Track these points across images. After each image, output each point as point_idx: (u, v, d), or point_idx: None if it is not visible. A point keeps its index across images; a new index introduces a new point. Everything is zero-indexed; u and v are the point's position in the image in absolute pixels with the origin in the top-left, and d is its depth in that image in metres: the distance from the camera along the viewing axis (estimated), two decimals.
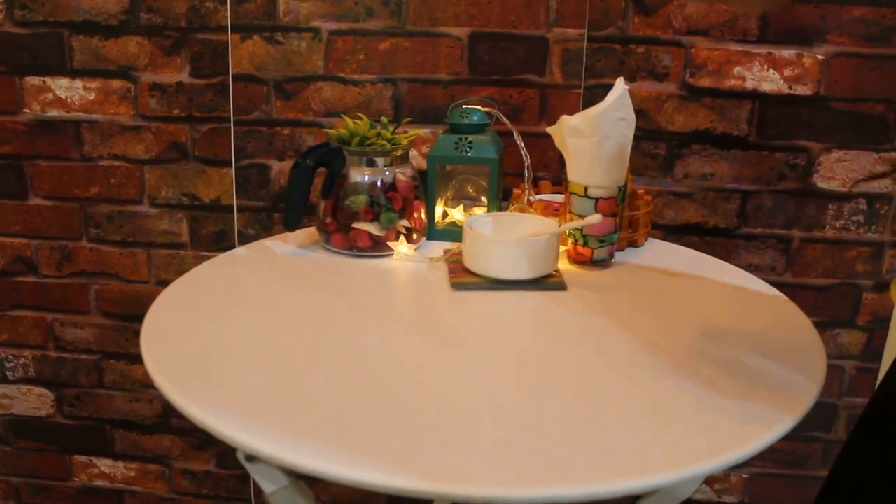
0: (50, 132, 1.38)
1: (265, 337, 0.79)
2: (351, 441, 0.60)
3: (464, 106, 1.10)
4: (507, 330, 0.83)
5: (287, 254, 1.06)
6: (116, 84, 1.34)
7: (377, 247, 1.04)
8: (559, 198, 1.18)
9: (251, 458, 0.74)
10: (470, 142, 1.08)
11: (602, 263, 1.01)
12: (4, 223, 1.44)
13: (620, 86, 0.95)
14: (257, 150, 1.35)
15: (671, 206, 1.30)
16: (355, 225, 1.03)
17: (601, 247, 1.00)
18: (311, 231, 1.12)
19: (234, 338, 0.79)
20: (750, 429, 0.63)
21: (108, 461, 1.58)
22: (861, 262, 1.30)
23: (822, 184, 1.26)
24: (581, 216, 0.97)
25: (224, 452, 1.54)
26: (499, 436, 0.62)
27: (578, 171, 0.98)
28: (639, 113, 1.02)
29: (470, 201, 1.14)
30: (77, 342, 1.50)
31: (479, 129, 1.09)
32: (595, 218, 0.94)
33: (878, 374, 1.34)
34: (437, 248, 1.08)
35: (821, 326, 0.85)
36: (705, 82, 1.24)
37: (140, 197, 1.40)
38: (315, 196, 1.05)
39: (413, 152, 1.30)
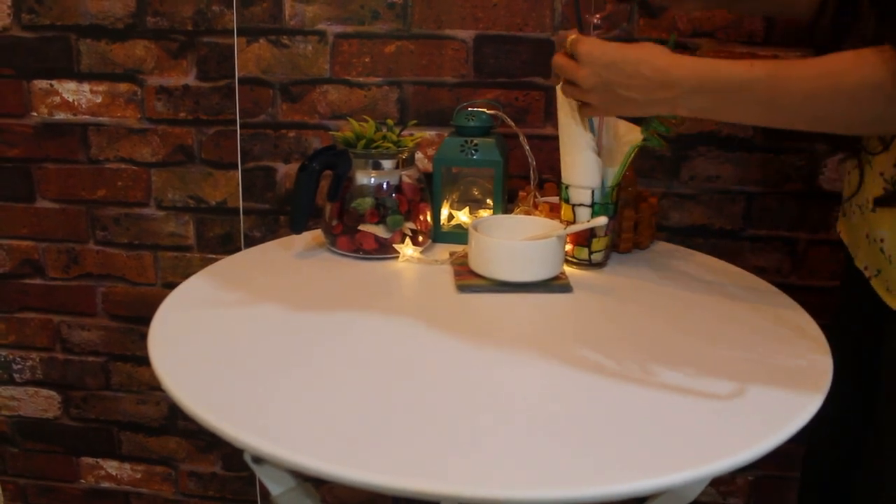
0: (57, 135, 1.38)
1: (271, 339, 0.80)
2: (357, 443, 0.60)
3: (469, 108, 1.10)
4: (513, 332, 0.83)
5: (293, 256, 1.06)
6: (123, 87, 1.34)
7: (383, 249, 1.04)
8: None
9: (258, 459, 0.75)
10: (475, 144, 1.08)
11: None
12: (12, 226, 1.45)
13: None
14: (263, 152, 1.35)
15: (677, 208, 1.30)
16: (361, 227, 1.03)
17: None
18: (316, 233, 1.13)
19: (241, 340, 0.79)
20: (756, 431, 0.63)
21: (115, 463, 1.59)
22: None
23: (827, 186, 1.26)
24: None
25: (230, 454, 1.55)
26: (504, 437, 0.62)
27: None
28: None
29: (475, 203, 1.14)
30: (84, 344, 1.51)
31: (484, 131, 1.09)
32: (601, 220, 0.94)
33: None
34: (443, 250, 1.08)
35: (827, 329, 0.85)
36: None
37: (146, 199, 1.40)
38: (321, 199, 1.05)
39: (419, 155, 1.30)
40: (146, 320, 0.82)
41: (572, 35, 0.87)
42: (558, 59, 0.88)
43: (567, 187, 0.99)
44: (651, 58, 0.79)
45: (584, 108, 0.91)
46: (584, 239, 1.00)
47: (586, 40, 0.84)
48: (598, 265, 1.02)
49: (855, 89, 0.69)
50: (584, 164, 0.97)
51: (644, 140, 0.96)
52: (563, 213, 1.01)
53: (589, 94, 0.85)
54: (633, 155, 0.98)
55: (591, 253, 1.01)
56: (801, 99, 0.72)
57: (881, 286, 0.83)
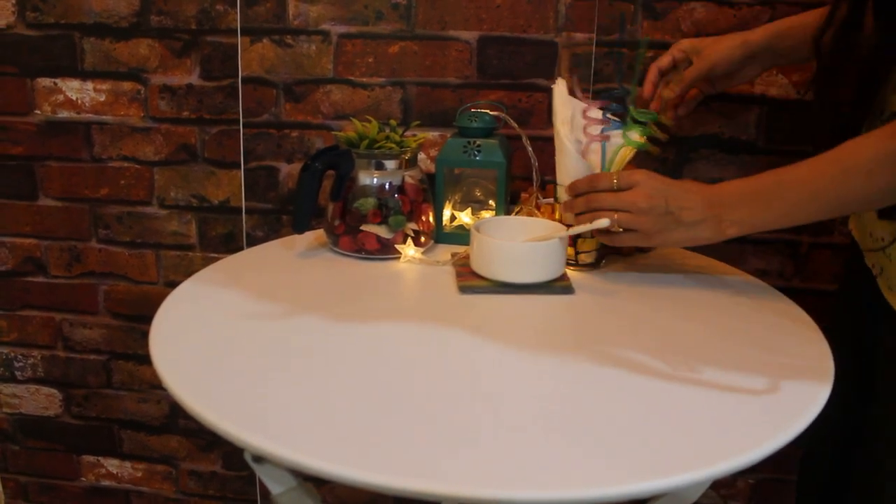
0: (60, 133, 1.39)
1: (273, 338, 0.80)
2: (358, 442, 0.60)
3: (472, 109, 1.10)
4: (515, 333, 0.83)
5: (295, 256, 1.06)
6: (127, 86, 1.35)
7: (385, 249, 1.04)
8: None
9: (258, 458, 0.75)
10: (478, 145, 1.08)
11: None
12: (15, 223, 1.45)
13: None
14: (266, 152, 1.35)
15: None
16: (363, 227, 1.03)
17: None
18: (319, 233, 1.13)
19: (243, 339, 0.79)
20: (758, 433, 0.63)
21: (116, 461, 1.59)
22: None
23: None
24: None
25: (231, 453, 1.55)
26: (507, 438, 0.62)
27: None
28: None
29: (478, 205, 1.14)
30: (85, 342, 1.51)
31: (487, 132, 1.09)
32: (603, 222, 0.93)
33: None
34: (445, 251, 1.08)
35: (827, 331, 0.85)
36: None
37: (149, 198, 1.40)
38: (324, 199, 1.05)
39: (421, 155, 1.30)
40: (148, 319, 0.82)
41: (612, 177, 0.90)
42: (605, 197, 0.90)
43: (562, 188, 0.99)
44: (697, 183, 0.88)
45: (627, 236, 0.90)
46: (570, 239, 0.99)
47: (639, 170, 0.90)
48: (589, 266, 1.02)
49: (869, 163, 0.73)
50: (574, 167, 0.97)
51: (627, 140, 0.95)
52: (558, 213, 1.01)
53: (641, 216, 0.87)
54: (618, 154, 0.96)
55: (577, 253, 1.00)
56: (828, 185, 0.77)
57: (884, 284, 0.84)
